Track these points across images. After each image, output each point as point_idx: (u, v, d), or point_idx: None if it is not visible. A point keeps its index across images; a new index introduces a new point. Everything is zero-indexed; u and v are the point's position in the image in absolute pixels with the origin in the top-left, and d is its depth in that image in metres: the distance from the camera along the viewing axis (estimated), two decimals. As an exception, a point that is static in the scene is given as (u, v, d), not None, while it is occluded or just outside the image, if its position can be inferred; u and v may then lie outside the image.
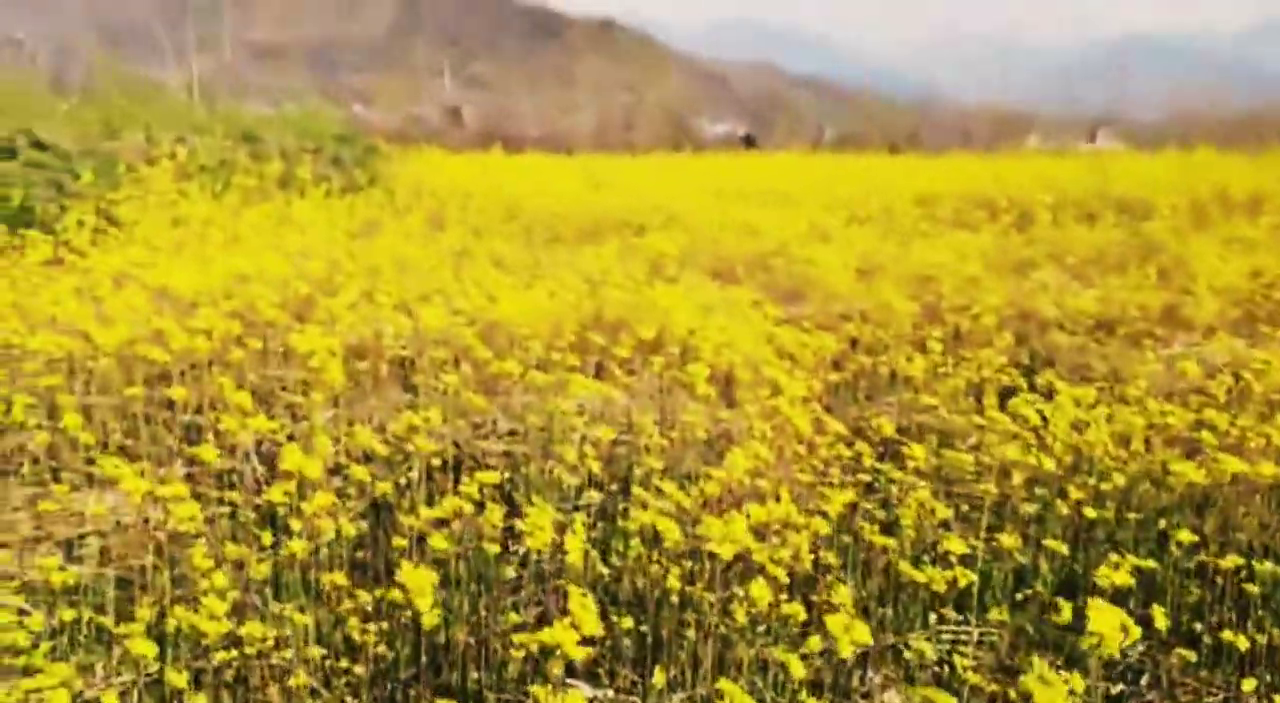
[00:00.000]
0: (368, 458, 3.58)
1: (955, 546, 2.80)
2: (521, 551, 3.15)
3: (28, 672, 2.36)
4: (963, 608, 3.06)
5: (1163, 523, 3.50)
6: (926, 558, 3.16)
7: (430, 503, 3.17)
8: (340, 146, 13.44)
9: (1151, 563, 2.90)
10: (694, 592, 2.75)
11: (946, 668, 2.86)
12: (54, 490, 3.30)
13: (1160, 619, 2.50)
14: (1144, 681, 2.96)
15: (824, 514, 3.03)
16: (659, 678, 2.55)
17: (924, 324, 5.95)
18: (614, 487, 3.75)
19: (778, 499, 3.03)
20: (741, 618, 2.59)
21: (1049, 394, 4.27)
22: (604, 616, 2.24)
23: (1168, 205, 10.30)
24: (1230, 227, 9.53)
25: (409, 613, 2.71)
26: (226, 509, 3.40)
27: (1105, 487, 3.47)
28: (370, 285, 5.66)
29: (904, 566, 2.85)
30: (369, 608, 2.82)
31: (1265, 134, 20.56)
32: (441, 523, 2.92)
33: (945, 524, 3.15)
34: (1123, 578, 2.56)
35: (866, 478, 3.69)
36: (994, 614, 3.01)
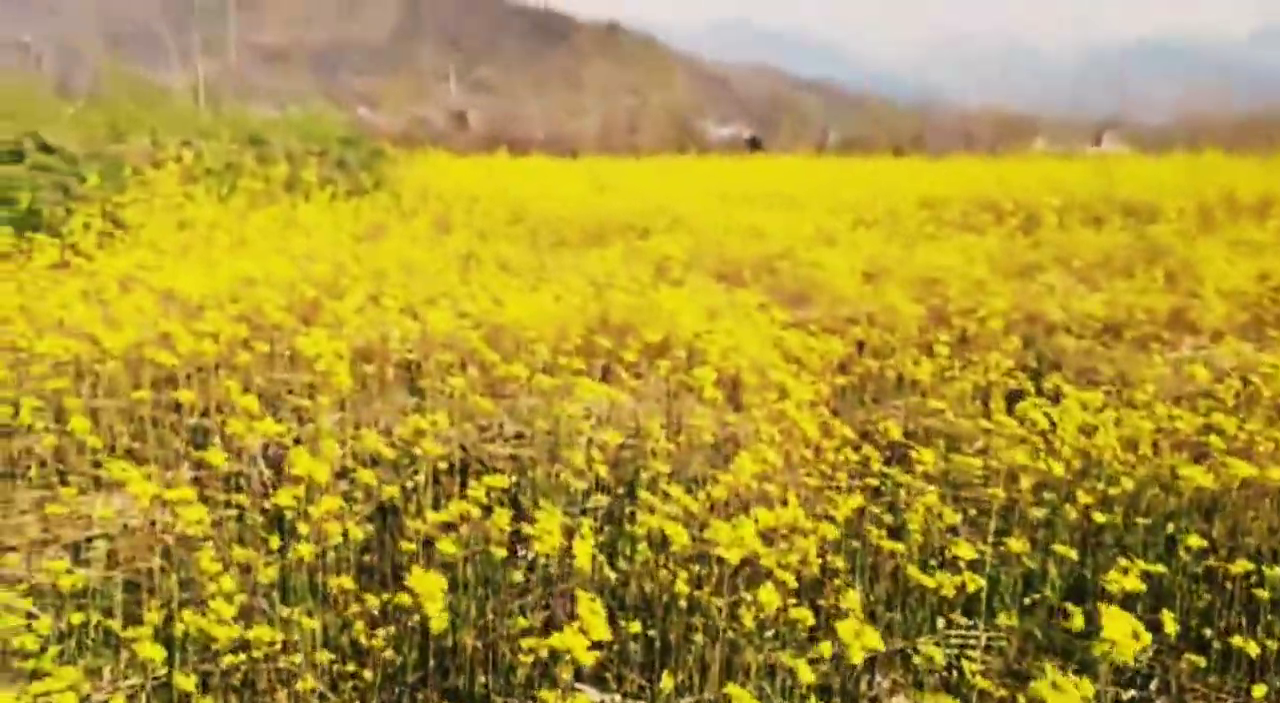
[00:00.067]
0: (374, 461, 3.58)
1: (964, 551, 2.79)
2: (530, 555, 3.14)
3: (36, 675, 2.35)
4: (971, 613, 3.05)
5: (1171, 528, 3.50)
6: (934, 562, 3.16)
7: (437, 507, 3.17)
8: (346, 150, 13.47)
9: (1160, 568, 2.89)
10: (702, 596, 2.75)
11: (955, 673, 2.85)
12: (61, 494, 3.31)
13: (1170, 625, 2.50)
14: (1153, 686, 2.95)
15: (831, 519, 3.03)
16: (667, 683, 2.55)
17: (930, 327, 5.94)
18: (620, 490, 3.75)
19: (785, 504, 3.03)
20: (749, 623, 2.59)
21: (1056, 398, 4.27)
22: (611, 620, 2.24)
23: (1174, 209, 10.28)
24: (1237, 230, 9.52)
25: (416, 617, 2.71)
26: (233, 512, 3.40)
27: (1113, 491, 3.46)
28: (376, 289, 5.66)
29: (912, 570, 2.85)
30: (376, 612, 2.82)
31: (1273, 137, 20.51)
32: (448, 527, 2.92)
33: (953, 529, 3.14)
34: (1133, 583, 2.55)
35: (874, 482, 3.69)
36: (1002, 619, 3.00)
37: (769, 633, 2.72)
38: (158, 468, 3.71)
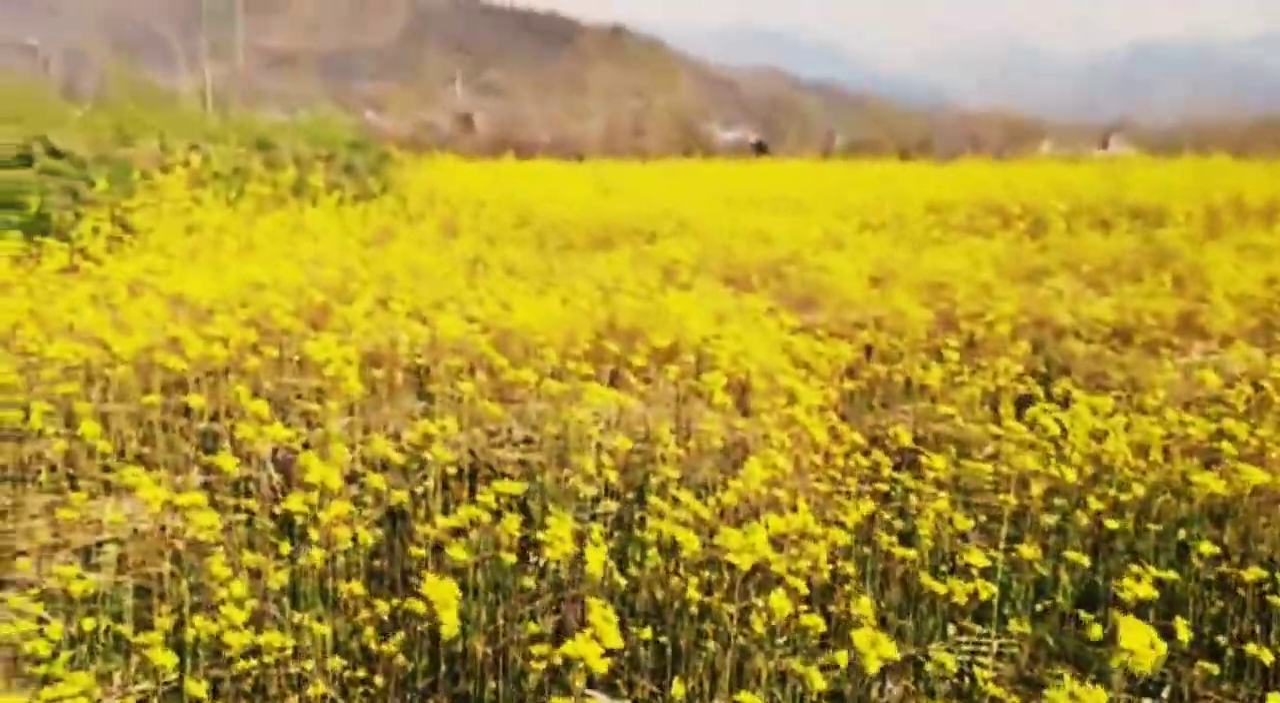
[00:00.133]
0: (383, 466, 3.58)
1: (976, 558, 2.78)
2: (541, 561, 3.14)
3: (48, 681, 2.36)
4: (982, 619, 3.04)
5: (1183, 534, 3.48)
6: (945, 568, 3.15)
7: (446, 512, 3.17)
8: (353, 154, 13.51)
9: (1173, 575, 2.88)
10: (712, 602, 2.74)
11: (967, 680, 2.84)
12: (71, 498, 3.31)
13: (1183, 632, 2.48)
14: (1166, 693, 2.94)
15: (841, 525, 3.02)
16: (678, 689, 2.54)
17: (938, 332, 5.93)
18: (630, 496, 3.74)
19: (795, 510, 3.02)
20: (760, 629, 2.58)
21: (1065, 403, 4.26)
22: (622, 626, 2.24)
23: (1182, 212, 10.26)
24: (1245, 234, 9.49)
25: (426, 623, 2.70)
26: (242, 517, 3.40)
27: (1125, 497, 3.44)
28: (384, 293, 5.67)
29: (924, 577, 2.84)
30: (386, 618, 2.82)
31: None
32: (458, 532, 2.92)
33: (964, 536, 3.13)
34: (1146, 591, 2.54)
35: (884, 488, 3.68)
36: (1014, 626, 2.99)
37: (780, 640, 2.71)
38: (167, 473, 3.72)
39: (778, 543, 2.79)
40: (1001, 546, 3.17)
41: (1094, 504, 3.35)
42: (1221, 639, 3.02)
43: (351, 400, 4.10)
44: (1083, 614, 3.09)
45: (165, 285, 5.33)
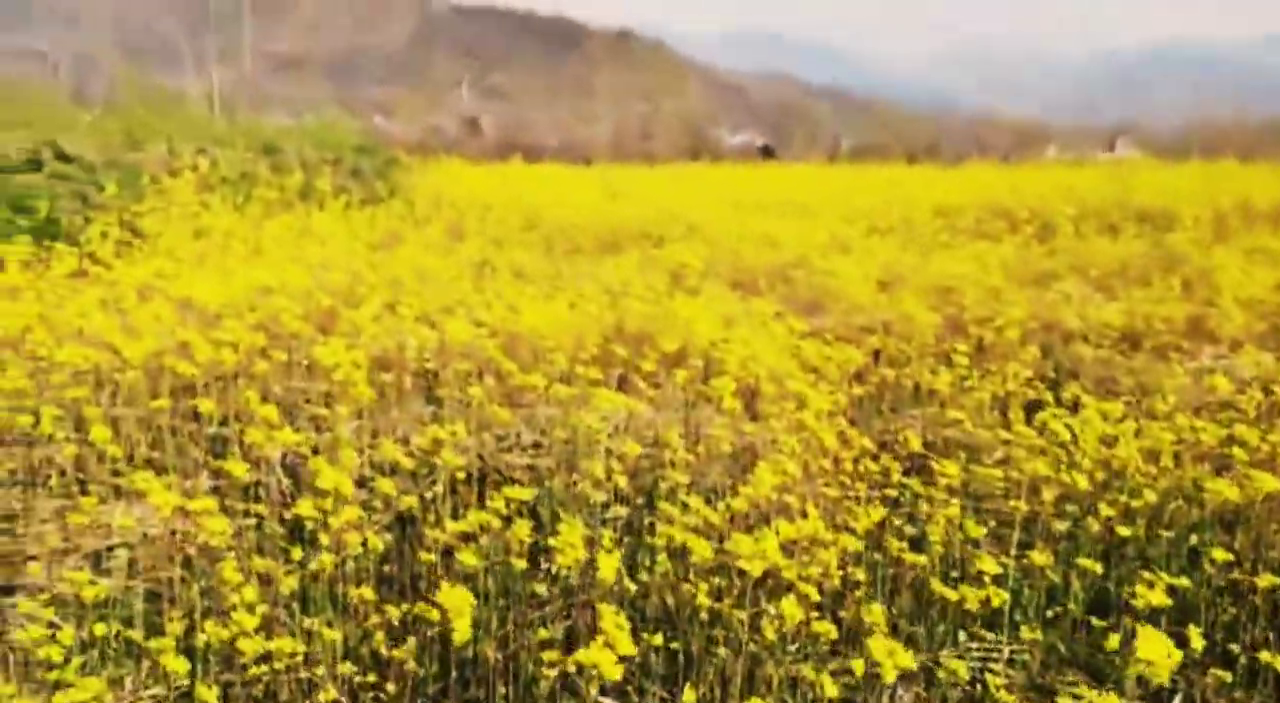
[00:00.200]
0: (393, 471, 3.59)
1: (988, 565, 2.77)
2: (553, 568, 3.14)
3: (59, 686, 2.36)
4: (994, 626, 3.03)
5: (1194, 540, 3.47)
6: (955, 574, 3.14)
7: (455, 516, 3.17)
8: (360, 158, 13.54)
9: (1185, 582, 2.86)
10: (723, 608, 2.73)
11: (979, 687, 2.83)
12: (82, 503, 3.31)
13: (1196, 639, 2.47)
14: (1178, 701, 2.92)
15: (851, 531, 3.01)
16: (689, 696, 2.53)
17: (947, 336, 5.92)
18: (639, 501, 3.74)
19: (805, 515, 3.02)
20: (771, 635, 2.57)
21: (1075, 408, 4.24)
22: (632, 632, 2.23)
23: (1190, 216, 10.23)
24: (1253, 238, 9.46)
25: (437, 628, 2.70)
26: (252, 522, 3.40)
27: (1136, 503, 3.43)
28: (392, 297, 5.68)
29: (936, 584, 2.83)
30: (396, 623, 2.81)
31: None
32: (468, 538, 2.92)
33: (975, 542, 3.12)
34: (1159, 598, 2.53)
35: (893, 493, 3.67)
36: (1026, 633, 2.98)
37: (791, 646, 2.70)
38: (177, 478, 3.72)
39: (788, 549, 2.78)
40: (1013, 552, 3.16)
41: (1105, 510, 3.34)
42: (1234, 647, 3.01)
43: (360, 405, 4.11)
44: (1094, 621, 3.08)
45: (174, 290, 5.35)
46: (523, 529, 2.85)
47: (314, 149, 12.95)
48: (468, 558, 2.77)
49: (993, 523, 3.49)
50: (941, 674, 2.65)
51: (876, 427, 4.79)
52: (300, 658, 2.55)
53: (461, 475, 3.64)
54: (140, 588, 3.07)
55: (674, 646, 2.83)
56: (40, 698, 2.46)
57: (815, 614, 2.61)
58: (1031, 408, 4.64)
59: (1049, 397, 4.69)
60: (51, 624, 2.65)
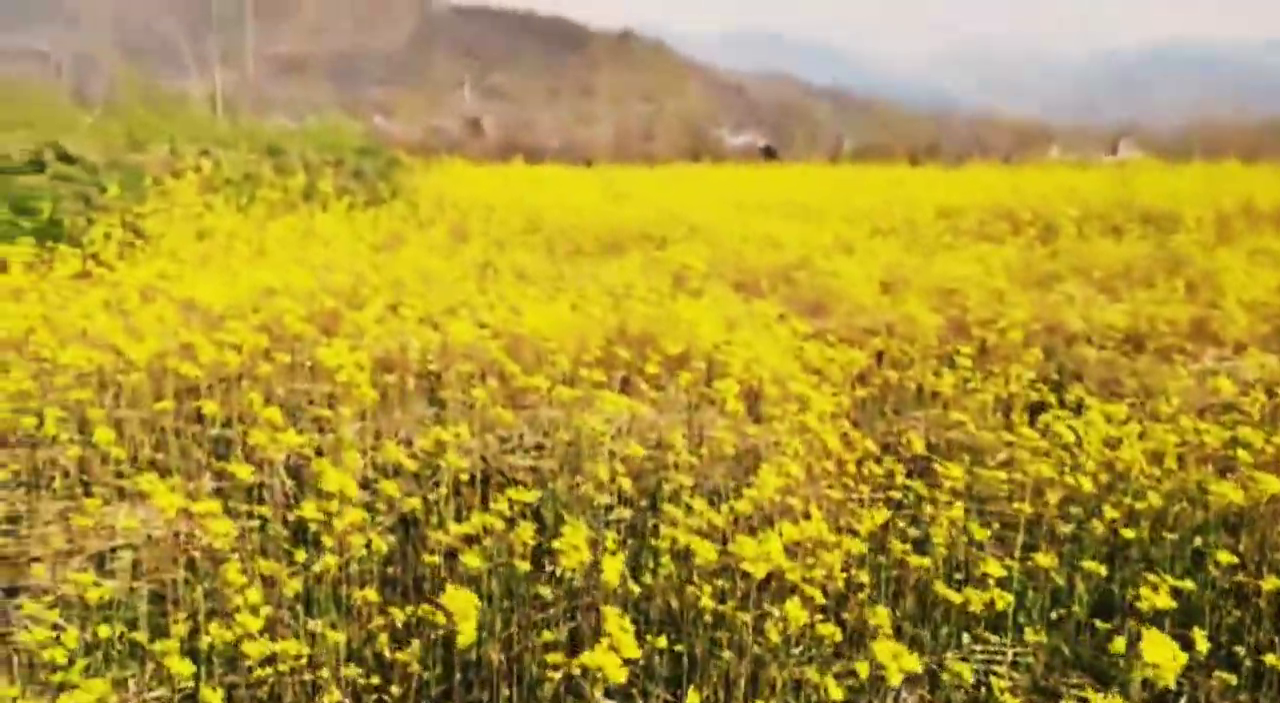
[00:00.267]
0: (396, 472, 3.58)
1: (993, 568, 2.77)
2: (556, 570, 3.14)
3: (64, 688, 2.36)
4: (998, 628, 3.03)
5: (1199, 542, 3.46)
6: (959, 577, 3.14)
7: (458, 518, 3.17)
8: (362, 159, 13.56)
9: (1190, 584, 2.86)
10: (727, 611, 2.73)
11: (983, 690, 2.82)
12: (85, 504, 3.31)
13: (1201, 642, 2.47)
14: (1183, 703, 2.92)
15: (855, 533, 3.01)
16: (693, 698, 2.53)
17: (950, 338, 5.91)
18: (643, 503, 3.74)
19: (808, 517, 3.01)
20: (775, 638, 2.57)
21: (1078, 409, 4.24)
22: (636, 634, 2.23)
23: (1193, 218, 10.23)
24: (1256, 239, 9.45)
25: (441, 630, 2.70)
26: (256, 524, 3.40)
27: (1140, 506, 3.43)
28: (395, 298, 5.68)
29: (940, 586, 2.83)
30: (400, 625, 2.81)
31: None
32: (471, 540, 2.92)
33: (979, 544, 3.12)
34: (1164, 601, 2.53)
35: (897, 495, 3.67)
36: (1030, 635, 2.97)
37: (795, 649, 2.70)
38: (181, 479, 3.72)
39: (792, 551, 2.78)
40: (1017, 554, 3.15)
41: (1109, 513, 3.34)
42: (1239, 649, 3.00)
43: (363, 407, 4.11)
44: (1099, 624, 3.07)
45: (177, 291, 5.35)
46: (526, 531, 2.85)
47: (316, 151, 12.97)
48: (471, 560, 2.77)
49: (996, 525, 3.48)
50: (945, 677, 2.64)
51: (880, 429, 4.78)
52: (304, 660, 2.55)
53: (465, 477, 3.64)
54: (144, 590, 3.07)
55: (678, 648, 2.83)
56: (45, 700, 2.46)
57: (819, 617, 2.60)
58: (1035, 410, 4.64)
59: (1052, 399, 4.68)
60: (56, 626, 2.65)
